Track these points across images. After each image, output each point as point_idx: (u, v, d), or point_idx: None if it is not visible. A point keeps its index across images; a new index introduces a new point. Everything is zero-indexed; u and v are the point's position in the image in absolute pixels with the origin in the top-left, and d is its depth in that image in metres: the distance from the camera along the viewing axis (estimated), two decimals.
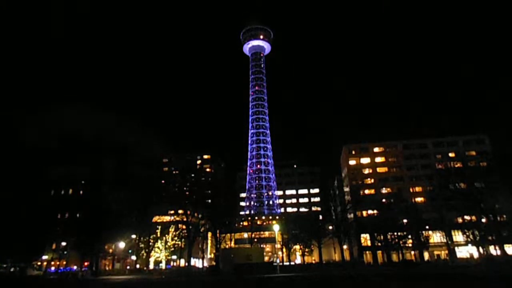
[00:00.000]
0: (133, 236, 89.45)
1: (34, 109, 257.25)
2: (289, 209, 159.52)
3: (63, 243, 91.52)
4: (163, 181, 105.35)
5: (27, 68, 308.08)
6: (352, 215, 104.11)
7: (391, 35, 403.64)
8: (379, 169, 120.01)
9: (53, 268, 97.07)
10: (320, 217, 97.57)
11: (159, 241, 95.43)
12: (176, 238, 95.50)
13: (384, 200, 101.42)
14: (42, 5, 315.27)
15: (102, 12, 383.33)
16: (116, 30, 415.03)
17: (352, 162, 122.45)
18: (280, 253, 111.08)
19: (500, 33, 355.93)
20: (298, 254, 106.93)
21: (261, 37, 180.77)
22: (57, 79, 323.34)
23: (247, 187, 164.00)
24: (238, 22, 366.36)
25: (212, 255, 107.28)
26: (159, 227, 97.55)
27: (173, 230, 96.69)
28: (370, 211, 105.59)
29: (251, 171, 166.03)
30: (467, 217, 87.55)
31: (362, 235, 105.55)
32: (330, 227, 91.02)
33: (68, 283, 52.08)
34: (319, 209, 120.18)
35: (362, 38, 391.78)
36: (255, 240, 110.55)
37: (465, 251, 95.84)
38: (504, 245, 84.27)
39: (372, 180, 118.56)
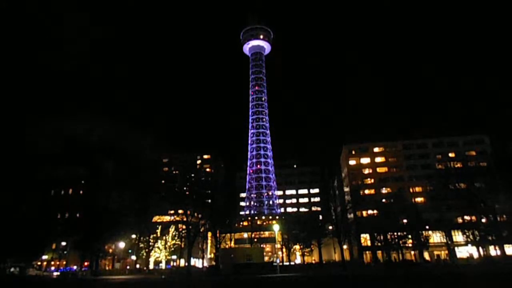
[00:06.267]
0: (133, 236, 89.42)
1: (34, 112, 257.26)
2: (289, 209, 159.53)
3: (63, 243, 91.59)
4: (163, 181, 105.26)
5: (25, 70, 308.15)
6: (352, 215, 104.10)
7: (391, 34, 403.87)
8: (379, 169, 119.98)
9: (53, 268, 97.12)
10: (320, 217, 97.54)
11: (159, 241, 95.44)
12: (176, 238, 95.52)
13: (384, 200, 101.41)
14: (41, 5, 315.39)
15: (102, 11, 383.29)
16: (115, 30, 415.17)
17: (352, 162, 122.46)
18: (280, 253, 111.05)
19: (501, 32, 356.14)
20: (298, 254, 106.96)
21: (261, 37, 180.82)
22: (53, 79, 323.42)
23: (247, 187, 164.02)
24: (238, 22, 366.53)
25: (212, 255, 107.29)
26: (159, 227, 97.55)
27: (173, 230, 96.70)
28: (370, 211, 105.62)
29: (251, 171, 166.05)
30: (467, 217, 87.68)
31: (362, 235, 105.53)
32: (330, 227, 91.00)
33: (68, 283, 52.08)
34: (319, 209, 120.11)
35: (361, 37, 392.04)
36: (255, 240, 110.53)
37: (465, 251, 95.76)
38: (504, 245, 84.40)
39: (372, 180, 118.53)
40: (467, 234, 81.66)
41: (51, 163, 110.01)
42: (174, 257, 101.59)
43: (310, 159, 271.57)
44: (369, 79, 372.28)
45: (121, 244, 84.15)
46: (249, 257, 57.73)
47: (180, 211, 79.84)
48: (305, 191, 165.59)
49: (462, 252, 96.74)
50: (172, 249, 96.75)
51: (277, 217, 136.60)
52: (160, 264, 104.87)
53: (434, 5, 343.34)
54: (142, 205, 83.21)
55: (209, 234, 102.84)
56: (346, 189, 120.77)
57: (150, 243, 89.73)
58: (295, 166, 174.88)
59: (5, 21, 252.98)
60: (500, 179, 65.26)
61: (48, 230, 78.02)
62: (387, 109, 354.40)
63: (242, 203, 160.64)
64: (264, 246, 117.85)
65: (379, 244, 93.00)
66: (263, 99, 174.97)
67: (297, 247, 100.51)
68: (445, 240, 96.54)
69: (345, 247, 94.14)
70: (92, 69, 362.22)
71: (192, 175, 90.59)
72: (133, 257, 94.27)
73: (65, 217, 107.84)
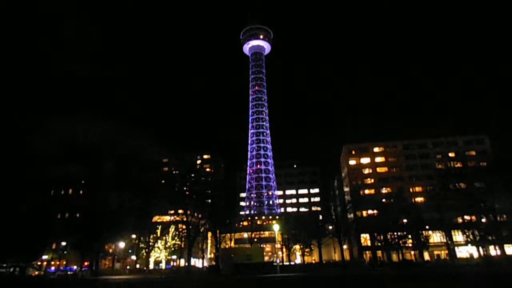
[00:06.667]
0: (133, 236, 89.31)
1: (34, 112, 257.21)
2: (289, 209, 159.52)
3: (63, 243, 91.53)
4: (163, 181, 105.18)
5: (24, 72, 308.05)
6: (352, 215, 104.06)
7: (391, 33, 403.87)
8: (379, 169, 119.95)
9: (53, 268, 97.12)
10: (320, 217, 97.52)
11: (159, 241, 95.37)
12: (176, 238, 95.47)
13: (384, 200, 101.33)
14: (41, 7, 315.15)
15: (102, 11, 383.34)
16: (115, 30, 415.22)
17: (352, 162, 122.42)
18: (280, 253, 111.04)
19: (501, 32, 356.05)
20: (298, 254, 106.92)
21: (261, 37, 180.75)
22: (53, 79, 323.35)
23: (247, 187, 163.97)
24: (238, 22, 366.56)
25: (212, 255, 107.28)
26: (159, 227, 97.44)
27: (173, 230, 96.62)
28: (370, 211, 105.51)
29: (251, 171, 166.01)
30: (467, 217, 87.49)
31: (362, 235, 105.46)
32: (330, 227, 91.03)
33: (68, 283, 52.06)
34: (319, 209, 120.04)
35: (362, 37, 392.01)
36: (255, 240, 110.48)
37: (465, 251, 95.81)
38: (504, 245, 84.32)
39: (372, 180, 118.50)
40: (467, 234, 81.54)
41: (51, 163, 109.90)
42: (174, 257, 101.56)
43: (310, 159, 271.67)
44: (369, 79, 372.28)
45: (121, 244, 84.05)
46: (249, 257, 57.65)
47: (180, 211, 79.82)
48: (305, 191, 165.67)
49: (462, 252, 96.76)
50: (172, 249, 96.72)
51: (277, 217, 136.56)
52: (160, 264, 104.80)
53: (435, 5, 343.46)
54: (142, 205, 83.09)
55: (209, 234, 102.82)
56: (346, 189, 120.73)
57: (150, 243, 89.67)
58: (295, 166, 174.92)
59: (5, 21, 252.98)
60: (500, 179, 65.25)
61: (48, 230, 77.93)
62: (387, 109, 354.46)
63: (242, 203, 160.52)
64: (264, 246, 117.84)
65: (379, 244, 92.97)
66: (263, 99, 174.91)
67: (297, 247, 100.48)
68: (445, 240, 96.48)
69: (345, 247, 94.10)
70: (92, 69, 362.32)
71: (192, 175, 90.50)
72: (133, 257, 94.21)
73: (65, 217, 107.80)
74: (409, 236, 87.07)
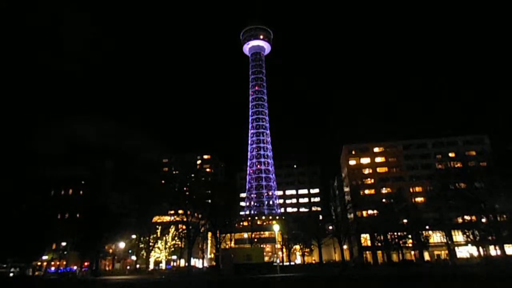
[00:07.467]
0: (133, 236, 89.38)
1: (35, 112, 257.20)
2: (289, 209, 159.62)
3: (63, 243, 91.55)
4: (163, 181, 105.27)
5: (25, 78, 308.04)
6: (352, 215, 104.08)
7: (391, 34, 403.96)
8: (379, 169, 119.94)
9: (53, 268, 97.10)
10: (320, 217, 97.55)
11: (159, 241, 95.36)
12: (176, 238, 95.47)
13: (384, 200, 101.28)
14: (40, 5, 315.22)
15: (102, 11, 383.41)
16: (115, 31, 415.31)
17: (352, 162, 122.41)
18: (280, 253, 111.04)
19: (501, 32, 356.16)
20: (298, 254, 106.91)
21: (261, 37, 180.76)
22: (53, 80, 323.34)
23: (247, 187, 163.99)
24: (238, 22, 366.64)
25: (212, 255, 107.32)
26: (159, 227, 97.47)
27: (173, 230, 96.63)
28: (370, 211, 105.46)
29: (251, 171, 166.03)
30: (467, 217, 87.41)
31: (362, 235, 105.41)
32: (330, 227, 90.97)
33: (68, 283, 52.05)
34: (319, 209, 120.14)
35: (362, 37, 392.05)
36: (255, 240, 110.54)
37: (465, 251, 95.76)
38: (504, 245, 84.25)
39: (372, 180, 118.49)
40: (467, 234, 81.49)
41: (51, 163, 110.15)
42: (174, 257, 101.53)
43: (310, 159, 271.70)
44: (370, 78, 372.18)
45: (121, 244, 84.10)
46: (249, 257, 57.59)
47: (180, 211, 79.83)
48: (305, 191, 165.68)
49: (463, 252, 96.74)
50: (172, 249, 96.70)
51: (277, 217, 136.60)
52: (160, 264, 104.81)
53: (438, 5, 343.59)
54: (142, 205, 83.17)
55: (209, 234, 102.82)
56: (346, 189, 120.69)
57: (150, 244, 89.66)
58: (295, 166, 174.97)
59: (5, 21, 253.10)
60: (501, 178, 65.05)
61: (48, 230, 77.98)
62: (387, 109, 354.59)
63: (242, 203, 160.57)
64: (264, 246, 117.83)
65: (379, 244, 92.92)
66: (263, 99, 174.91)
67: (297, 247, 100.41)
68: (445, 240, 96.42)
69: (345, 247, 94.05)
70: (92, 69, 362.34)
71: (192, 175, 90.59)
72: (133, 257, 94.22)
73: (65, 217, 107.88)
74: (409, 236, 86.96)
